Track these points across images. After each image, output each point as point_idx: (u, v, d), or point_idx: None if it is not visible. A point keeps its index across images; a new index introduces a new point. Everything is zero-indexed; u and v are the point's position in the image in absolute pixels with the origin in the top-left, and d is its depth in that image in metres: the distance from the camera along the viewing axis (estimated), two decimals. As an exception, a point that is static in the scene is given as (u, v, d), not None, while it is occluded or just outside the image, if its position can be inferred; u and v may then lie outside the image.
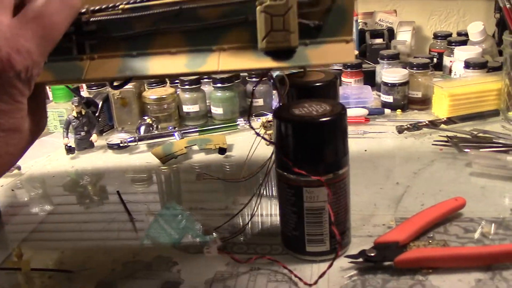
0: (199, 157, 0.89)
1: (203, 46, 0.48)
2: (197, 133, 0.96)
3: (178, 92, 1.04)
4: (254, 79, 1.04)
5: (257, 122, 0.93)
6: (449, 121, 0.91)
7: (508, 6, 0.85)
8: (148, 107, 1.00)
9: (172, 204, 0.66)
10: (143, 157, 0.90)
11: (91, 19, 0.48)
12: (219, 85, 1.00)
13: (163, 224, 0.65)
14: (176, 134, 0.93)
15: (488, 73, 1.01)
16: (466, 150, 0.78)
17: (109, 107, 1.03)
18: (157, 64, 0.48)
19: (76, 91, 1.03)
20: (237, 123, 0.98)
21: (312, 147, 0.52)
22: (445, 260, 0.52)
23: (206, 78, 1.06)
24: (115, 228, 0.67)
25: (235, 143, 0.92)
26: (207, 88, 1.05)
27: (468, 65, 1.01)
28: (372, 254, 0.53)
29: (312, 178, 0.51)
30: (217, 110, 1.02)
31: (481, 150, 0.76)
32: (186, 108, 1.02)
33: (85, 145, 0.93)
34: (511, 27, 0.85)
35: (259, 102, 1.04)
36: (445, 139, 0.83)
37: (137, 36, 0.48)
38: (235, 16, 0.47)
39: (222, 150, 0.86)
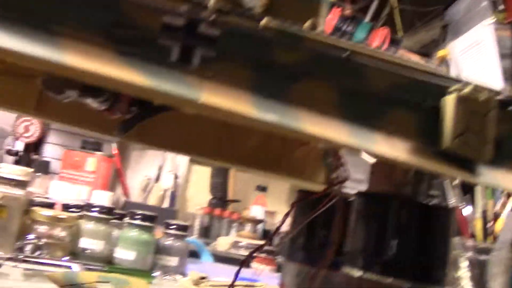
0: (111, 299, 0.61)
1: (363, 121, 0.34)
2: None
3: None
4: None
5: (182, 280, 0.72)
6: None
7: None
8: (36, 226, 0.72)
9: None
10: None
11: (214, 18, 0.30)
12: (137, 222, 0.78)
13: None
14: (75, 266, 0.66)
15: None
16: None
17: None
18: (309, 120, 0.32)
19: None
20: (154, 274, 0.74)
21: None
22: None
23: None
24: None
25: (152, 296, 0.67)
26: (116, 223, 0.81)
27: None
28: None
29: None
30: (126, 255, 0.77)
31: None
32: (85, 243, 0.76)
33: None
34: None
35: (172, 261, 0.82)
36: None
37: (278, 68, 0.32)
38: (408, 93, 0.35)
39: (148, 296, 0.61)
